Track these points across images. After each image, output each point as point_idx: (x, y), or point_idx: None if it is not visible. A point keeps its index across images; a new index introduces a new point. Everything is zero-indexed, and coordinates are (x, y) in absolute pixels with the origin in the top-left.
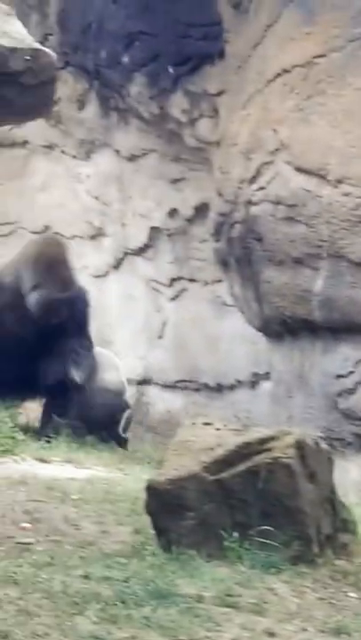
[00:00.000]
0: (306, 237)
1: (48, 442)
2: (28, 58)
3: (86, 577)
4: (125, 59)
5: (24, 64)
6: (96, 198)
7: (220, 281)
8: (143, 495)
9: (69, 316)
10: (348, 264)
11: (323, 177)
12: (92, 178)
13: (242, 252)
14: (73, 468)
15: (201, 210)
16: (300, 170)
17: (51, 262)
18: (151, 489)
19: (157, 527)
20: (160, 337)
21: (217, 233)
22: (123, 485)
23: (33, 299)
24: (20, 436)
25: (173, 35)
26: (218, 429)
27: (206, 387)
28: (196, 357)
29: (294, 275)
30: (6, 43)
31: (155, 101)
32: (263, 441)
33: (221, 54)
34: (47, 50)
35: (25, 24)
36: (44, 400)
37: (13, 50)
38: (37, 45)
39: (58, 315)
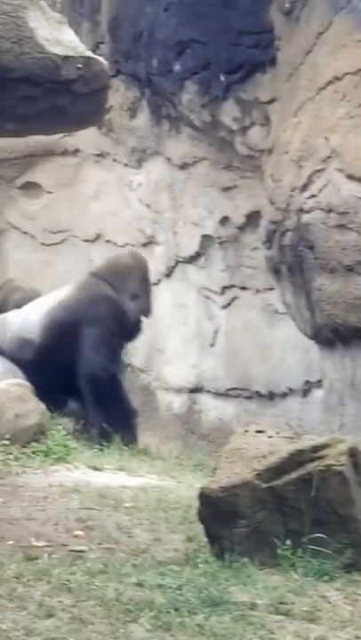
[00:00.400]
0: (358, 245)
1: (101, 449)
2: (81, 66)
3: (140, 584)
4: (177, 67)
5: (76, 72)
6: (148, 206)
7: (271, 289)
8: (196, 503)
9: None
10: None
11: None
12: (143, 186)
13: (294, 260)
14: (126, 476)
15: (252, 218)
16: (351, 177)
17: (144, 277)
18: (204, 496)
19: (210, 535)
20: (212, 345)
21: (268, 241)
22: (175, 493)
23: (133, 308)
24: (73, 443)
25: (225, 42)
26: (270, 437)
27: (258, 394)
28: (248, 365)
29: (346, 282)
30: (59, 51)
31: (206, 109)
32: (316, 448)
33: (273, 62)
34: (99, 58)
35: (77, 32)
36: None
37: (66, 58)
38: (89, 53)
39: (141, 327)
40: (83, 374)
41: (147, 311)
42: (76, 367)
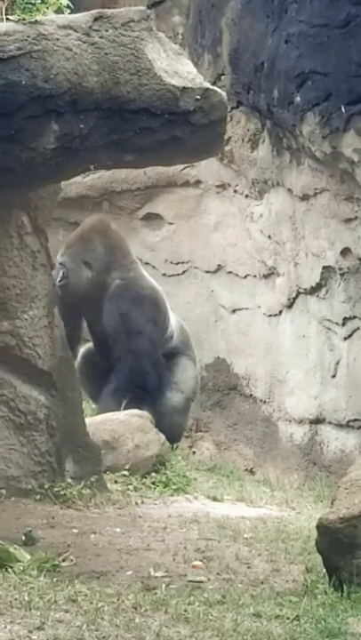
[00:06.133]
0: None
1: (220, 480)
2: (199, 97)
3: (257, 615)
4: (298, 98)
5: (194, 103)
6: (269, 237)
7: None
8: (315, 534)
9: None
10: None
11: None
12: (264, 217)
13: None
14: (245, 507)
15: None
16: None
17: None
18: (322, 527)
19: (328, 565)
20: (333, 376)
21: None
22: (295, 524)
23: None
24: (193, 474)
25: (345, 74)
26: None
27: None
28: None
29: None
30: (177, 82)
31: (327, 141)
32: None
33: None
34: (217, 89)
35: (198, 64)
36: None
37: (184, 89)
38: (207, 85)
39: None
40: None
41: None
42: None
